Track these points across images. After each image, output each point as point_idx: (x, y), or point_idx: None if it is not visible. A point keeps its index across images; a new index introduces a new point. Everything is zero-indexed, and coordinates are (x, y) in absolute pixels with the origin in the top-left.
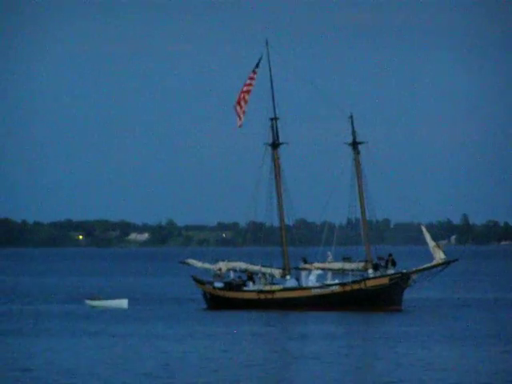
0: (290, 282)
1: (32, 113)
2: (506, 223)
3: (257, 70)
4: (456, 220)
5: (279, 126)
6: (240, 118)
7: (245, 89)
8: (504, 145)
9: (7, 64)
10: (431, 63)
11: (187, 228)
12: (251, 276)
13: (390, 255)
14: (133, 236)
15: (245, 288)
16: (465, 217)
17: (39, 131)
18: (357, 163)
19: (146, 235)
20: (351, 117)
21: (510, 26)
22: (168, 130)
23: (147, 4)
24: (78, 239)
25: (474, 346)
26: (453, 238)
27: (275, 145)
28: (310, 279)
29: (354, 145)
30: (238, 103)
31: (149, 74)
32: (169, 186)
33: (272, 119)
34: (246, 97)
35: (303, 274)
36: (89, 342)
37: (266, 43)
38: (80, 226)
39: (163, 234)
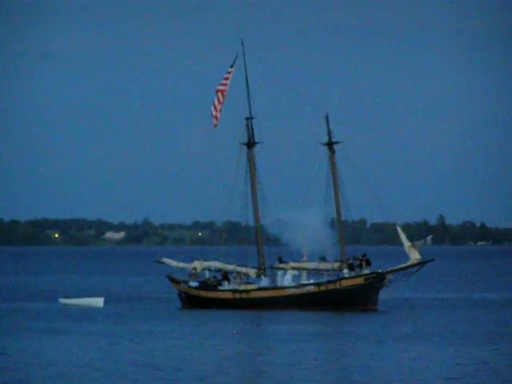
0: (264, 281)
1: (8, 112)
2: (483, 224)
3: (232, 69)
4: (432, 220)
5: (254, 125)
6: (216, 118)
7: (220, 88)
8: (481, 146)
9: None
10: (408, 63)
11: (163, 227)
12: (226, 275)
13: (365, 255)
14: (109, 235)
15: (220, 287)
16: (441, 217)
17: (15, 130)
18: (332, 163)
19: (122, 234)
20: (327, 116)
21: (489, 25)
22: (144, 130)
23: (125, 5)
24: (55, 237)
25: (445, 346)
26: (429, 238)
27: (250, 144)
28: (286, 279)
29: (330, 145)
30: (214, 103)
31: (122, 73)
32: (145, 185)
33: (247, 119)
34: (221, 97)
35: (279, 273)
36: (55, 340)
37: (242, 43)
38: (56, 225)
39: (139, 233)
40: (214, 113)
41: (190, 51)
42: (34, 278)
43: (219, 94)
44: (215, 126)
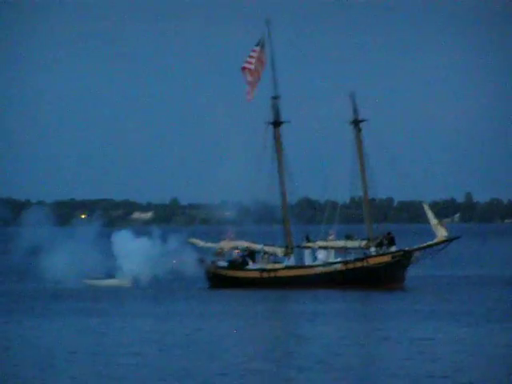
0: (291, 260)
1: (35, 92)
2: (510, 201)
3: (258, 48)
4: (460, 198)
5: (280, 104)
6: (250, 93)
7: (247, 66)
8: (507, 122)
9: (9, 46)
10: (435, 40)
11: (191, 207)
12: (252, 254)
13: (389, 233)
14: (136, 215)
15: (247, 267)
16: (468, 195)
17: (42, 109)
18: (358, 141)
19: (149, 214)
20: (352, 95)
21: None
22: (170, 109)
23: None
24: (82, 218)
25: (474, 324)
26: (456, 216)
27: (277, 123)
28: (320, 257)
29: (356, 123)
30: (251, 75)
31: (152, 51)
32: (172, 164)
33: (273, 98)
34: (255, 74)
35: (306, 252)
36: (78, 321)
37: (267, 22)
38: (83, 205)
39: (167, 213)
40: (251, 87)
41: (216, 30)
42: (59, 258)
43: (257, 70)
44: (249, 100)
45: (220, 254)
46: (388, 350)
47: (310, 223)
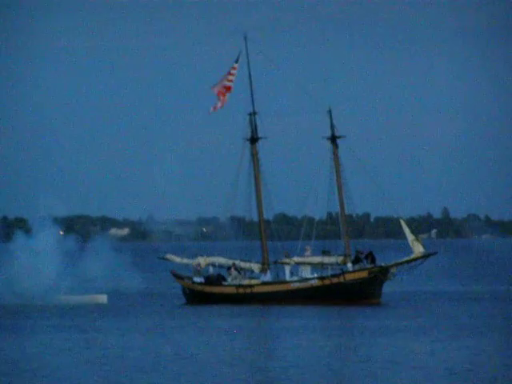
0: (267, 276)
1: (17, 112)
2: (487, 216)
3: (236, 65)
4: (436, 214)
5: (258, 120)
6: (216, 107)
7: (229, 78)
8: (484, 138)
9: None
10: (411, 57)
11: (167, 223)
12: (239, 270)
13: (371, 253)
14: (113, 231)
15: (224, 283)
16: (445, 210)
17: (18, 128)
18: (335, 157)
19: (126, 230)
20: (330, 111)
21: (491, 22)
22: (146, 125)
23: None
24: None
25: (450, 340)
26: (433, 231)
27: (254, 139)
28: (304, 273)
29: (333, 139)
30: (222, 89)
31: (126, 70)
32: (148, 181)
33: (250, 114)
34: (231, 85)
35: (286, 268)
36: (54, 337)
37: (245, 38)
38: (61, 222)
39: (143, 229)
40: (221, 99)
41: (192, 46)
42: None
43: (228, 83)
44: (214, 110)
45: (198, 270)
46: (360, 366)
47: (287, 239)
